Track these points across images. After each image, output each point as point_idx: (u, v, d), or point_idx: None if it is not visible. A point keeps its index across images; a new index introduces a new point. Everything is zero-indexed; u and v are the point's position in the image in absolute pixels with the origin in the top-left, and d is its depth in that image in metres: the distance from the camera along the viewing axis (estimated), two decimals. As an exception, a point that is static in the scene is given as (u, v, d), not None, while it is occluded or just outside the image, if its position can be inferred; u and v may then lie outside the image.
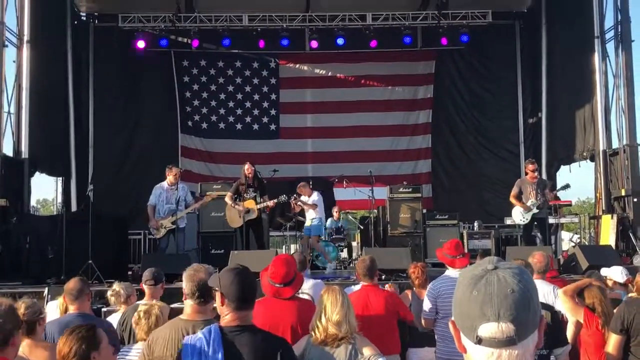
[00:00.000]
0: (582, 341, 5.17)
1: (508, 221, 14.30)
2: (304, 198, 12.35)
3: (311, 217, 13.07)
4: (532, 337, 1.51)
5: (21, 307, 4.12)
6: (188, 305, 3.86)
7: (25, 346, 3.98)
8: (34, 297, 4.70)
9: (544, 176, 16.30)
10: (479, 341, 1.48)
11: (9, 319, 3.34)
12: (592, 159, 14.89)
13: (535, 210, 11.50)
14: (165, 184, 11.55)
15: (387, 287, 6.62)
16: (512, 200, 11.71)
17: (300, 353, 4.04)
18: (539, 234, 11.82)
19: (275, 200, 11.63)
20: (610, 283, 6.52)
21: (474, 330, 1.49)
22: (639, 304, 4.70)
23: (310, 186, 13.41)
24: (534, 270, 6.14)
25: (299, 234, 14.79)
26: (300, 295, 5.43)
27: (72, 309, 5.03)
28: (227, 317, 3.20)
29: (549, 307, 4.83)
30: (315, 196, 13.03)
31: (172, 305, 6.63)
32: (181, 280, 9.42)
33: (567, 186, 12.33)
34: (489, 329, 1.47)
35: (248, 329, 3.20)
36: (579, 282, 5.43)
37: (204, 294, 3.75)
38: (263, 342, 3.18)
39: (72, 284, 5.16)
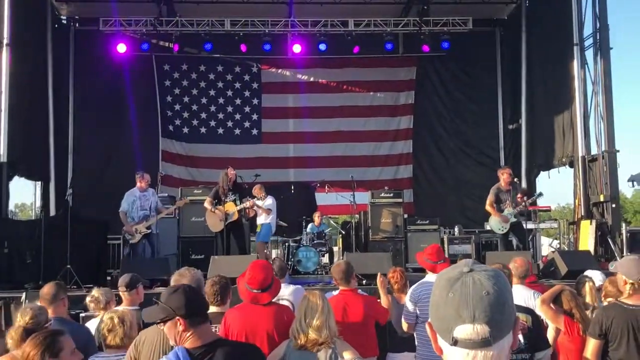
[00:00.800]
0: (562, 347, 5.20)
1: (488, 227, 14.40)
2: (259, 202, 12.25)
3: (261, 221, 13.08)
4: (507, 339, 1.53)
5: (26, 315, 4.11)
6: None
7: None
8: (35, 306, 4.61)
9: (524, 182, 16.44)
10: (455, 342, 1.50)
11: None
12: (571, 165, 15.01)
13: (513, 220, 11.58)
14: (136, 190, 11.52)
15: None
16: (489, 208, 11.68)
17: (280, 358, 4.04)
18: (514, 239, 11.87)
19: (253, 200, 11.66)
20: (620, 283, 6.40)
21: (449, 331, 1.50)
22: (616, 309, 4.74)
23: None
24: (515, 274, 6.18)
25: (280, 239, 14.78)
26: (281, 302, 5.43)
27: (48, 313, 4.99)
28: (189, 338, 3.00)
29: (530, 312, 4.86)
30: (269, 200, 13.03)
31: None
32: (160, 285, 9.42)
33: (539, 194, 12.44)
34: (465, 330, 1.49)
35: (214, 345, 3.01)
36: (552, 288, 5.47)
37: None
38: (232, 355, 3.02)
39: (47, 288, 5.19)
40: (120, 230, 13.42)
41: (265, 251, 13.56)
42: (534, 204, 12.89)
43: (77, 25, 17.77)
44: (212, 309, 5.01)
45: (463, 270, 1.55)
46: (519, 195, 11.64)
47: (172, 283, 3.87)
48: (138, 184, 11.52)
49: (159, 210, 11.71)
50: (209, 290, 5.01)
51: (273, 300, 4.94)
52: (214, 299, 4.91)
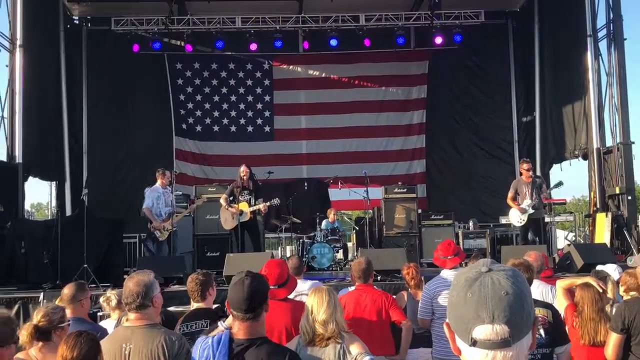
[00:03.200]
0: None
1: (503, 220, 14.36)
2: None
3: None
4: (527, 339, 1.52)
5: (40, 313, 4.15)
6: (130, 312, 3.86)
7: (37, 351, 4.02)
8: (50, 304, 4.63)
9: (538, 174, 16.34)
10: (474, 343, 1.49)
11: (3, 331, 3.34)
12: (585, 157, 14.93)
13: (530, 211, 11.54)
14: (159, 187, 11.54)
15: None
16: (509, 202, 11.78)
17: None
18: (530, 233, 11.81)
19: (268, 204, 11.65)
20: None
21: (468, 332, 1.49)
22: (639, 303, 4.71)
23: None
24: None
25: (295, 235, 14.80)
26: (300, 297, 5.45)
27: (67, 314, 5.03)
28: (235, 328, 3.15)
29: (549, 306, 4.82)
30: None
31: (170, 309, 6.65)
32: (176, 283, 9.46)
33: (560, 184, 12.37)
34: (484, 331, 1.48)
35: (255, 343, 3.10)
36: (576, 280, 5.43)
37: (138, 304, 3.73)
38: (271, 356, 3.09)
39: (66, 289, 5.23)
40: (133, 229, 13.53)
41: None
42: (549, 196, 12.82)
43: (89, 25, 17.85)
44: (194, 305, 5.12)
45: (481, 270, 1.54)
46: (542, 189, 11.63)
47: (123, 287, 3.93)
48: (160, 181, 11.55)
49: (177, 210, 11.77)
50: (189, 287, 5.16)
51: (290, 296, 4.99)
52: (195, 295, 5.11)
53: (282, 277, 4.86)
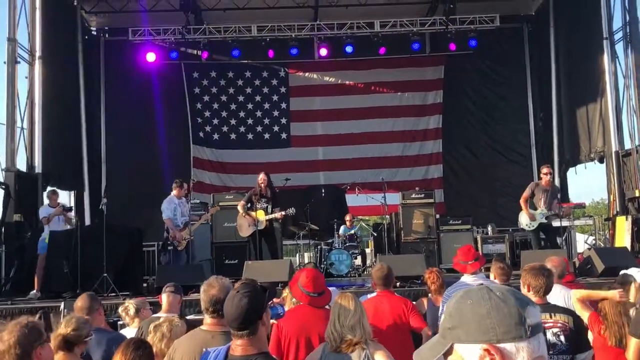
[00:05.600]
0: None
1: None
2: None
3: None
4: None
5: (70, 325, 4.13)
6: (207, 317, 3.88)
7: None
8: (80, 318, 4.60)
9: (556, 178, 16.22)
10: (531, 331, 1.46)
11: (28, 335, 3.33)
12: (601, 160, 14.86)
13: (543, 220, 11.50)
14: (174, 197, 11.65)
15: None
16: (522, 202, 11.65)
17: (316, 361, 4.05)
18: (544, 237, 11.81)
19: (283, 213, 11.68)
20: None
21: (522, 323, 1.46)
22: (659, 308, 4.66)
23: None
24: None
25: (312, 242, 14.79)
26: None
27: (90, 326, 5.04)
28: (237, 344, 3.01)
29: (570, 312, 4.77)
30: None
31: (188, 317, 6.68)
32: (195, 292, 9.52)
33: (581, 206, 12.26)
34: (534, 313, 1.49)
35: (253, 357, 2.96)
36: (591, 293, 5.38)
37: (218, 309, 3.74)
38: None
39: (80, 302, 5.14)
40: (151, 237, 13.61)
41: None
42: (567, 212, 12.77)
43: (106, 36, 18.05)
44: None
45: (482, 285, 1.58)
46: (555, 201, 11.56)
47: (201, 293, 3.91)
48: (176, 192, 11.65)
49: (193, 218, 11.89)
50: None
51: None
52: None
53: (322, 286, 4.92)
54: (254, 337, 2.98)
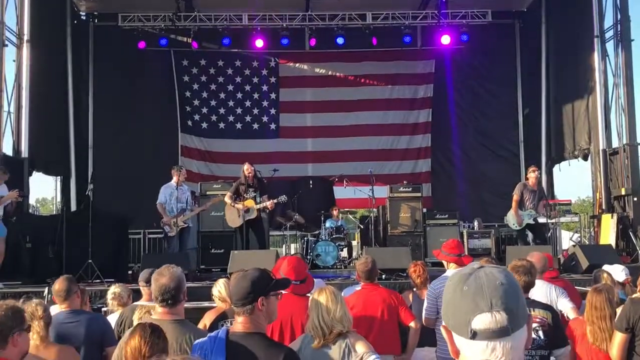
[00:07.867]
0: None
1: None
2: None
3: None
4: (523, 332, 1.55)
5: (38, 309, 4.12)
6: (157, 306, 3.85)
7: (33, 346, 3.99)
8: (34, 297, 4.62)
9: (543, 175, 16.29)
10: (474, 335, 1.51)
11: (10, 318, 3.31)
12: (585, 157, 14.98)
13: (530, 221, 11.64)
14: (173, 184, 11.60)
15: None
16: (514, 205, 11.83)
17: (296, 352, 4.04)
18: (529, 235, 11.93)
19: (275, 201, 11.64)
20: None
21: (467, 324, 1.51)
22: (644, 303, 4.69)
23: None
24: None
25: (299, 233, 14.79)
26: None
27: (62, 308, 5.00)
28: (237, 321, 3.24)
29: (549, 308, 4.82)
30: None
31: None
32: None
33: (567, 203, 12.38)
34: (483, 319, 1.50)
35: (253, 337, 3.16)
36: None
37: (167, 297, 3.73)
38: (266, 351, 3.12)
39: (58, 284, 5.07)
40: (138, 225, 13.57)
41: None
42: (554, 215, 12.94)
43: (96, 21, 17.87)
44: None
45: (474, 267, 1.59)
46: (541, 203, 11.68)
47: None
48: (175, 178, 11.60)
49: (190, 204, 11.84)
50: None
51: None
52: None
53: (303, 274, 4.96)
54: (253, 316, 3.19)
